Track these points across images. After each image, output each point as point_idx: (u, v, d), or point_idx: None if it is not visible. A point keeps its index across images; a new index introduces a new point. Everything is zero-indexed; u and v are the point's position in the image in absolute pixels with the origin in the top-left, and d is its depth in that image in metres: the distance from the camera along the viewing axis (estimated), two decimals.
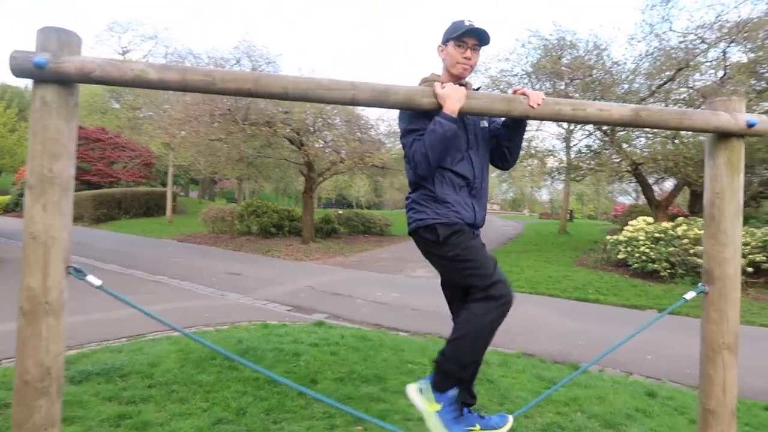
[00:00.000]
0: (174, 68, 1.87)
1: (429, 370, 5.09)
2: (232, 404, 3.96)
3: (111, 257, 14.13)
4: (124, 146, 32.06)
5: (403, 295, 10.40)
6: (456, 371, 2.26)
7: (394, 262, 15.91)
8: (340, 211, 24.71)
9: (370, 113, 35.65)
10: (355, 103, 2.04)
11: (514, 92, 2.20)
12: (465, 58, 2.33)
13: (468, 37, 2.31)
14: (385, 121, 19.93)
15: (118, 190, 28.72)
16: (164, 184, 33.04)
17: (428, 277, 13.28)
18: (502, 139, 2.47)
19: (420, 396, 2.32)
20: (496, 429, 2.31)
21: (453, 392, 2.28)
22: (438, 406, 2.24)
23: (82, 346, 5.66)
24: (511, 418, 2.36)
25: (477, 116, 2.37)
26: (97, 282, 1.87)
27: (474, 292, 2.26)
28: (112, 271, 12.15)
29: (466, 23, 2.31)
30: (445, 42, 2.38)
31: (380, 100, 2.03)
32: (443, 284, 2.62)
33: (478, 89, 2.49)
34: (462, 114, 2.14)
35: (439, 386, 2.28)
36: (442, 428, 2.19)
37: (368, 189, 53.90)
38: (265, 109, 16.34)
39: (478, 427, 2.31)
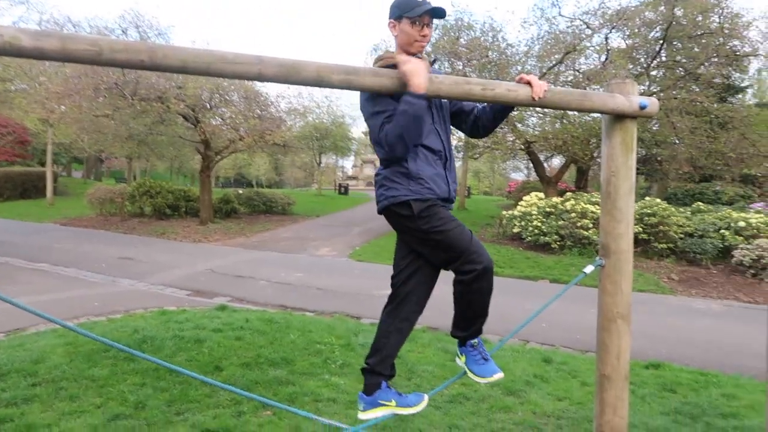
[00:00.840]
0: (52, 35, 1.65)
1: (337, 349, 5.09)
2: (129, 398, 3.74)
3: None
4: None
5: (308, 274, 10.30)
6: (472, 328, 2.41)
7: (297, 241, 15.71)
8: (240, 191, 23.97)
9: (270, 89, 34.68)
10: (261, 78, 1.91)
11: (520, 80, 2.19)
12: (422, 36, 2.24)
13: (425, 15, 2.22)
14: (285, 98, 19.50)
15: None
16: (42, 164, 30.32)
17: (332, 255, 13.26)
18: (482, 118, 2.46)
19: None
20: (411, 407, 2.32)
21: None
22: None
23: None
24: (426, 397, 2.39)
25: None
26: None
27: (454, 263, 2.25)
28: None
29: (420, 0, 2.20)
30: (398, 18, 2.24)
31: (289, 75, 1.92)
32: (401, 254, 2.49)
33: (434, 61, 2.47)
34: None
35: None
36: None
37: (269, 167, 52.74)
38: (156, 83, 15.36)
39: (394, 403, 2.32)
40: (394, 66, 2.10)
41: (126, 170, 36.56)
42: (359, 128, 50.60)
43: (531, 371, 4.80)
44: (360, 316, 7.24)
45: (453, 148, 2.52)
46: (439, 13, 2.24)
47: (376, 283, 9.23)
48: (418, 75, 2.02)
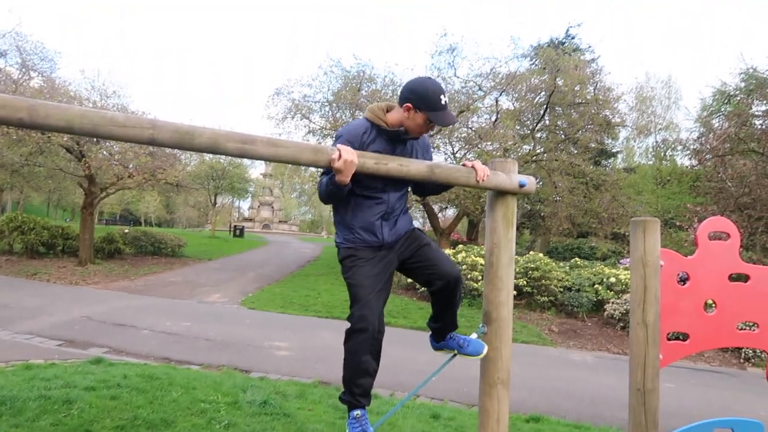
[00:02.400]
0: None
1: (223, 408, 4.87)
2: None
3: None
4: None
5: (196, 323, 9.83)
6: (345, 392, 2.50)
7: (186, 286, 15.00)
8: (126, 230, 22.61)
9: None
10: (154, 143, 1.88)
11: (464, 165, 2.52)
12: (427, 130, 2.54)
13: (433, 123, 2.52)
14: (186, 151, 18.88)
15: None
16: None
17: (223, 302, 12.78)
18: (429, 184, 2.77)
19: None
20: None
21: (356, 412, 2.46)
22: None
23: None
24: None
25: (410, 145, 2.59)
26: None
27: (350, 310, 2.49)
28: None
29: (442, 102, 2.43)
30: (418, 108, 2.43)
31: (183, 141, 1.90)
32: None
33: (416, 138, 2.64)
34: (396, 141, 2.50)
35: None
36: None
37: (159, 205, 50.41)
38: None
39: None
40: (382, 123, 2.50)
41: None
42: (257, 170, 50.01)
43: (419, 428, 4.85)
44: (249, 370, 6.99)
45: (404, 197, 2.71)
46: (451, 123, 2.61)
47: (268, 333, 8.98)
48: (344, 174, 2.23)
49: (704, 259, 2.96)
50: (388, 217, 2.56)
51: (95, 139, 16.04)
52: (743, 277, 3.09)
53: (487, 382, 2.58)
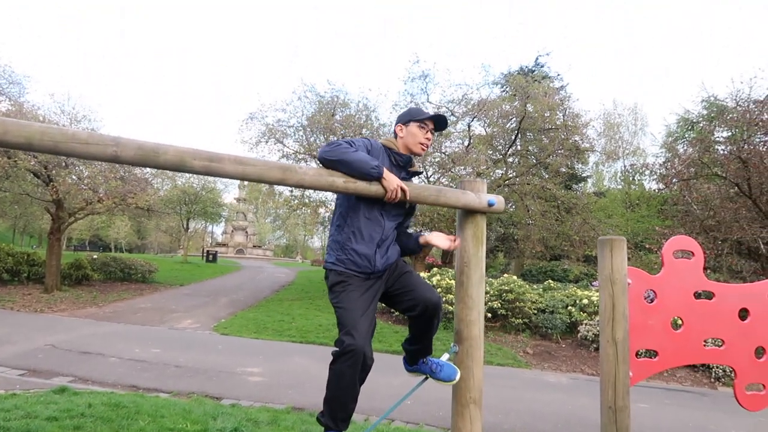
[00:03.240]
0: None
1: None
2: None
3: None
4: None
5: (166, 350, 9.59)
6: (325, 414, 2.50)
7: (156, 312, 14.67)
8: (95, 255, 22.11)
9: None
10: (118, 160, 1.85)
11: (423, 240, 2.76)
12: (426, 138, 2.68)
13: (430, 121, 2.68)
14: (151, 168, 18.68)
15: None
16: None
17: (194, 328, 12.53)
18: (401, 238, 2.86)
19: None
20: None
21: None
22: None
23: None
24: None
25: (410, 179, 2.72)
26: None
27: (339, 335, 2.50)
28: None
29: (427, 111, 2.67)
30: (406, 122, 2.69)
31: (148, 159, 1.88)
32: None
33: (419, 173, 2.86)
34: (400, 169, 2.61)
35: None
36: None
37: (130, 231, 49.52)
38: None
39: None
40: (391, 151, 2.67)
41: None
42: (231, 194, 49.58)
43: None
44: (221, 396, 6.83)
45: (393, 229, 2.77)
46: (442, 121, 2.71)
47: (240, 360, 8.80)
48: (392, 182, 2.42)
49: (670, 276, 3.01)
50: (381, 244, 2.61)
51: (64, 164, 15.78)
52: (708, 295, 3.14)
53: (459, 402, 2.56)
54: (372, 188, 2.34)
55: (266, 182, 2.25)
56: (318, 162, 2.43)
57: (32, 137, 1.68)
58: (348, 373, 2.36)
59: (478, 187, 2.61)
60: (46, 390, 6.26)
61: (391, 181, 2.40)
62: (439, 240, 2.68)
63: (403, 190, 2.41)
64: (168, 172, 21.39)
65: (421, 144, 2.67)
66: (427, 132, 2.67)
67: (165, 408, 5.57)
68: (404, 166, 2.65)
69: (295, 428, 5.31)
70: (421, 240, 2.73)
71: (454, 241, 2.66)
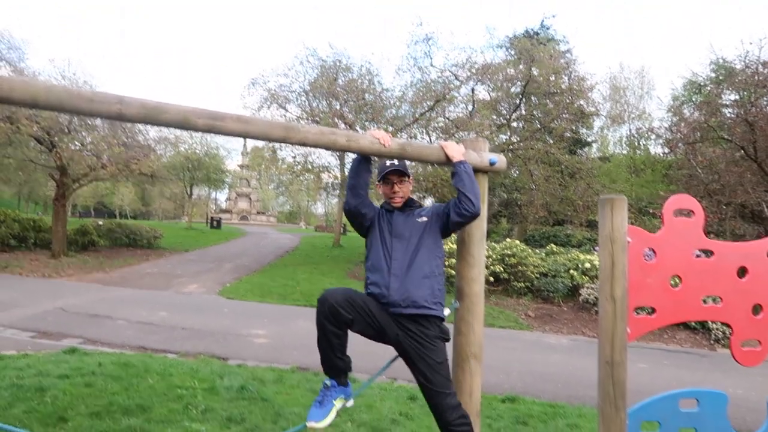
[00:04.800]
0: None
1: (200, 393, 4.87)
2: None
3: None
4: None
5: (173, 314, 9.75)
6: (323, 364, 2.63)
7: (162, 277, 14.85)
8: (100, 222, 22.27)
9: None
10: (122, 118, 1.86)
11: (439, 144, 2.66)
12: (393, 192, 2.69)
13: (389, 176, 2.68)
14: (154, 126, 18.61)
15: None
16: None
17: (200, 292, 12.70)
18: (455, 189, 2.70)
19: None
20: None
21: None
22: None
23: None
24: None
25: (411, 214, 2.66)
26: None
27: None
28: None
29: (387, 164, 2.66)
30: (377, 182, 2.77)
31: (151, 117, 1.90)
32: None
33: (422, 207, 2.77)
34: (391, 214, 2.66)
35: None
36: None
37: (134, 197, 49.66)
38: None
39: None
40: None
41: None
42: (234, 161, 49.50)
43: (397, 409, 4.90)
44: (227, 357, 6.98)
45: (418, 260, 2.59)
46: (397, 170, 2.66)
47: (245, 322, 8.96)
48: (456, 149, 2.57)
49: (669, 235, 3.03)
50: (393, 269, 2.53)
51: (66, 129, 15.74)
52: (708, 253, 3.18)
53: (459, 356, 2.63)
54: (373, 147, 2.35)
55: (269, 140, 2.27)
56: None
57: (37, 95, 1.69)
58: (323, 323, 2.42)
59: (480, 146, 2.62)
60: (57, 351, 6.41)
61: (373, 132, 2.45)
62: (451, 149, 2.56)
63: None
64: (171, 137, 21.37)
65: (391, 198, 2.71)
66: (392, 185, 2.69)
67: (173, 367, 5.71)
68: (400, 209, 2.69)
69: (300, 386, 5.44)
70: (441, 144, 2.63)
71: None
